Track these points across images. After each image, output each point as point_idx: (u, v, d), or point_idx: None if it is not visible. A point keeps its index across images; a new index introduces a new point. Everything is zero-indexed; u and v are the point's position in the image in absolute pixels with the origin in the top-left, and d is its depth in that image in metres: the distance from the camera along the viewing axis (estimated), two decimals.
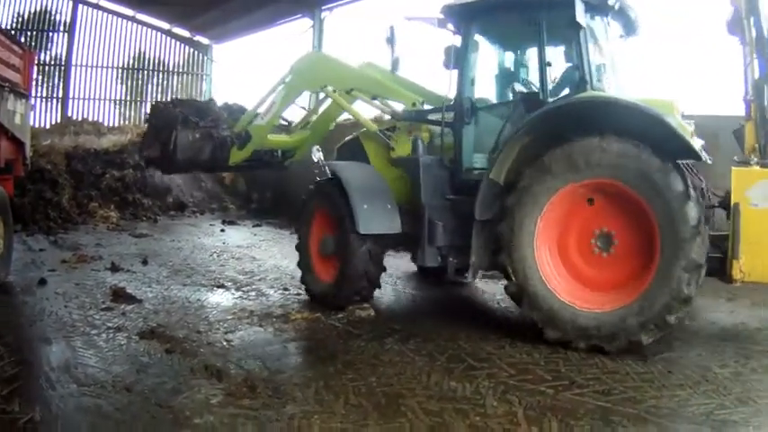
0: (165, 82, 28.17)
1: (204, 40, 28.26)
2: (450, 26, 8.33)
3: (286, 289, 9.71)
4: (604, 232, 6.87)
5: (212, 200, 21.94)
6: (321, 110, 10.80)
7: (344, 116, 10.82)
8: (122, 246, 14.07)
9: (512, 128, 7.51)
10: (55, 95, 25.81)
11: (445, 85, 8.18)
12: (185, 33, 28.09)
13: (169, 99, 10.78)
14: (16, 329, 7.57)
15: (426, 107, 8.66)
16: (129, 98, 27.49)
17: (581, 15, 7.18)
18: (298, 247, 8.96)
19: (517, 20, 7.95)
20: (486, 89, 9.02)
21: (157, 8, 21.36)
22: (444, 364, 6.37)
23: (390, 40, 8.60)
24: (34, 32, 25.41)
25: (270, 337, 7.32)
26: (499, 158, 7.22)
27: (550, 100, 7.33)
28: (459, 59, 7.94)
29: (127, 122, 26.20)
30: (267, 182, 21.18)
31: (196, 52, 28.51)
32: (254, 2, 22.12)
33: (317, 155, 9.13)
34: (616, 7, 7.61)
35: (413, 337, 7.20)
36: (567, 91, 7.73)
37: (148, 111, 11.13)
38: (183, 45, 28.42)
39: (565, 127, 6.83)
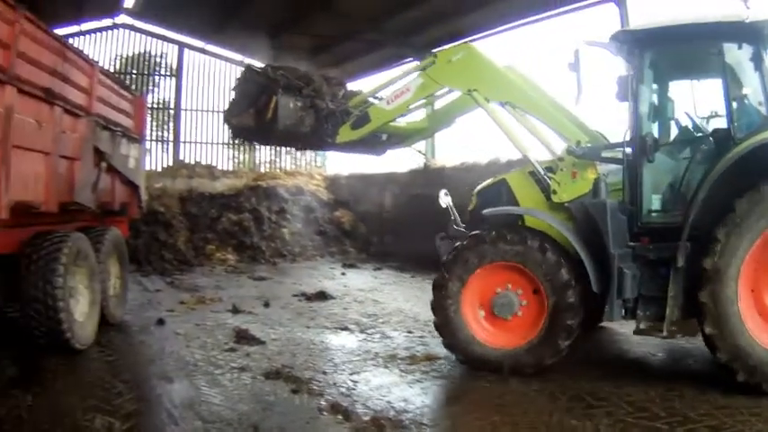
0: None
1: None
2: (624, 53, 7.98)
3: (410, 332, 9.76)
4: None
5: (331, 243, 22.21)
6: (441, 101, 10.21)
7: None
8: (242, 288, 14.55)
9: (701, 166, 7.41)
10: (165, 139, 26.97)
11: (618, 118, 7.94)
12: None
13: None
14: (135, 368, 7.91)
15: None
16: (240, 142, 28.02)
17: (765, 47, 7.10)
18: (439, 305, 7.91)
19: (695, 49, 7.73)
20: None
21: (264, 53, 22.02)
22: (565, 403, 6.53)
23: (575, 67, 7.86)
24: (139, 76, 26.79)
25: (396, 379, 7.50)
26: (699, 200, 7.00)
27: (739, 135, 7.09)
28: (634, 91, 7.62)
29: (241, 166, 27.16)
30: (387, 225, 21.59)
31: None
32: (363, 47, 22.64)
33: (446, 200, 8.91)
34: None
35: (535, 378, 7.27)
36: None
37: (238, 75, 10.39)
38: None
39: (761, 166, 6.70)
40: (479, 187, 9.18)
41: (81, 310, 8.47)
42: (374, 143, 10.40)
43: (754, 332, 6.66)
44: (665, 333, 7.12)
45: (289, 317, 11.14)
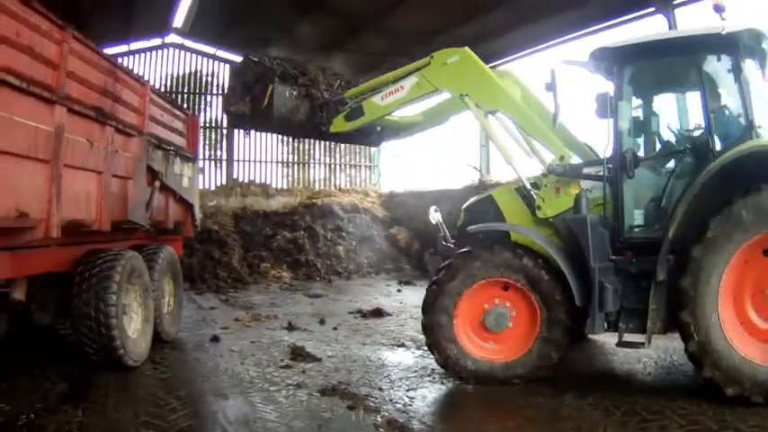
0: (330, 144, 28.67)
1: None
2: (602, 71, 8.19)
3: None
4: None
5: (387, 260, 22.17)
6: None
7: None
8: (297, 305, 14.60)
9: (681, 180, 7.64)
10: (218, 158, 27.22)
11: (598, 135, 8.04)
12: None
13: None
14: (189, 384, 7.99)
15: (573, 161, 8.30)
16: (294, 160, 28.37)
17: (743, 58, 7.28)
18: (430, 323, 7.97)
19: (673, 63, 7.97)
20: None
21: None
22: (619, 417, 6.54)
23: (551, 86, 8.10)
24: (190, 95, 27.14)
25: (452, 394, 7.60)
26: (678, 214, 7.19)
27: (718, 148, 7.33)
28: (614, 107, 7.76)
29: (296, 185, 27.28)
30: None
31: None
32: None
33: (436, 216, 9.07)
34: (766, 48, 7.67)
35: (590, 393, 7.28)
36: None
37: (236, 65, 10.62)
38: None
39: (741, 177, 6.88)
40: (467, 203, 9.40)
41: (134, 327, 8.57)
42: (369, 134, 10.50)
43: (738, 347, 6.78)
44: (646, 345, 7.33)
45: (345, 334, 11.14)
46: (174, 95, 24.83)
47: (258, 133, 26.93)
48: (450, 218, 9.68)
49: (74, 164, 7.28)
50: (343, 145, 28.26)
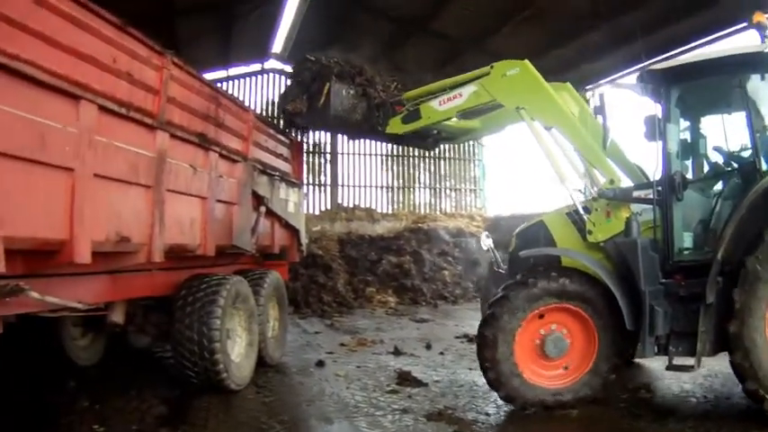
0: (433, 167, 28.70)
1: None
2: (650, 93, 7.98)
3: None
4: None
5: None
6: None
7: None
8: (403, 330, 14.44)
9: (728, 201, 7.59)
10: (321, 182, 27.31)
11: (647, 158, 7.97)
12: None
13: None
14: (293, 408, 7.88)
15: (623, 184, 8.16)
16: (398, 185, 28.34)
17: None
18: (487, 347, 7.60)
19: (718, 83, 7.82)
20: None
21: None
22: None
23: (600, 110, 7.96)
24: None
25: (556, 420, 7.39)
26: (727, 235, 7.09)
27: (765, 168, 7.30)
28: (662, 129, 7.72)
29: (401, 209, 27.24)
30: None
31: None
32: None
33: (488, 242, 8.98)
34: None
35: (690, 418, 7.20)
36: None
37: (295, 65, 10.56)
38: None
39: None
40: (519, 229, 9.27)
41: (238, 352, 8.56)
42: (425, 137, 10.22)
43: None
44: (696, 368, 7.22)
45: (451, 359, 10.91)
46: (275, 121, 25.05)
47: (364, 157, 27.37)
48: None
49: (177, 189, 7.29)
50: (446, 169, 28.17)
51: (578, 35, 18.34)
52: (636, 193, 7.93)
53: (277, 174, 10.71)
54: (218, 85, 9.75)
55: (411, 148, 27.31)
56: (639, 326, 7.29)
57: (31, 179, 4.94)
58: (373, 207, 26.60)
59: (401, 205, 27.72)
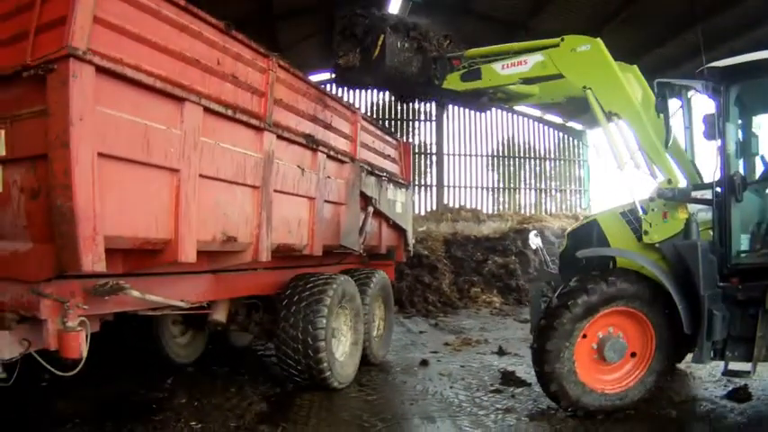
0: (538, 168, 28.26)
1: (577, 126, 28.05)
2: (710, 91, 7.42)
3: None
4: None
5: None
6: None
7: None
8: (508, 330, 14.15)
9: None
10: (426, 183, 27.21)
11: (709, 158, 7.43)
12: (557, 120, 28.15)
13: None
14: (395, 407, 7.75)
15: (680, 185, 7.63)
16: (503, 185, 28.02)
17: None
18: (546, 352, 7.19)
19: None
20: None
21: None
22: None
23: (662, 108, 7.42)
24: (397, 122, 27.05)
25: (658, 419, 7.14)
26: None
27: None
28: (722, 129, 7.24)
29: (507, 209, 26.96)
30: None
31: (569, 138, 28.37)
32: None
33: (536, 241, 8.66)
34: None
35: None
36: None
37: (344, 19, 9.70)
38: (554, 131, 28.49)
39: None
40: (570, 228, 9.07)
41: (342, 350, 8.48)
42: (479, 96, 9.39)
43: None
44: (752, 374, 6.93)
45: None
46: (381, 122, 25.02)
47: (469, 158, 27.09)
48: None
49: (284, 189, 7.28)
50: (551, 170, 27.67)
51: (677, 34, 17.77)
52: (695, 194, 7.56)
53: (384, 174, 10.63)
54: (324, 86, 9.59)
55: (518, 148, 27.10)
56: (696, 330, 6.95)
57: (133, 180, 4.98)
58: (479, 208, 26.33)
59: (506, 206, 27.39)
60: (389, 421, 6.90)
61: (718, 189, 7.22)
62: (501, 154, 27.35)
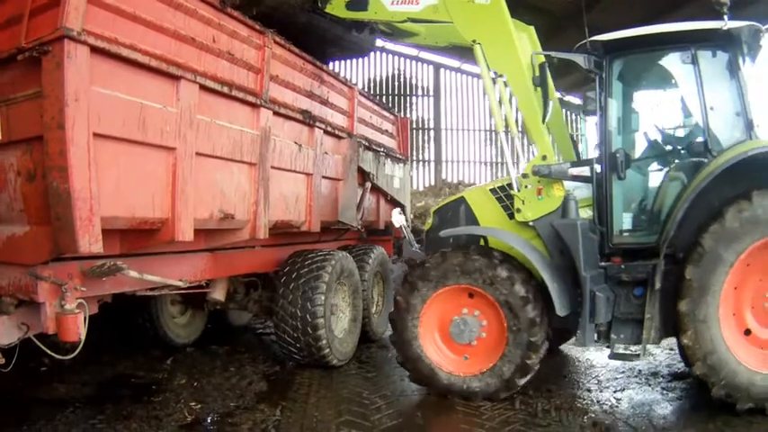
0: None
1: (576, 100, 27.93)
2: (593, 65, 7.13)
3: (672, 349, 8.84)
4: None
5: None
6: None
7: None
8: None
9: (675, 182, 7.06)
10: (424, 158, 27.27)
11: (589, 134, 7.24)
12: (556, 94, 27.74)
13: None
14: (395, 383, 7.68)
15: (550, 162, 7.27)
16: (501, 160, 27.80)
17: (742, 54, 6.83)
18: (399, 336, 7.15)
19: (668, 59, 7.35)
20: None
21: None
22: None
23: (541, 81, 7.10)
24: (395, 97, 27.17)
25: (658, 396, 7.12)
26: (677, 218, 6.50)
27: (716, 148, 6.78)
28: (602, 104, 7.11)
29: None
30: None
31: (567, 112, 28.27)
32: None
33: (400, 219, 8.37)
34: (762, 44, 7.12)
35: None
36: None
37: None
38: None
39: (744, 180, 6.36)
40: (436, 206, 8.59)
41: (341, 327, 8.47)
42: (361, 27, 9.01)
43: (732, 347, 6.31)
44: (642, 357, 6.83)
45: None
46: (379, 98, 24.92)
47: (467, 133, 26.98)
48: None
49: (282, 166, 7.24)
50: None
51: None
52: (573, 171, 7.25)
53: (382, 150, 10.59)
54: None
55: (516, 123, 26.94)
56: (573, 311, 6.73)
57: (130, 160, 4.95)
58: (477, 182, 26.13)
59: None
60: (389, 398, 6.91)
61: (599, 166, 7.08)
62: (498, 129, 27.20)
